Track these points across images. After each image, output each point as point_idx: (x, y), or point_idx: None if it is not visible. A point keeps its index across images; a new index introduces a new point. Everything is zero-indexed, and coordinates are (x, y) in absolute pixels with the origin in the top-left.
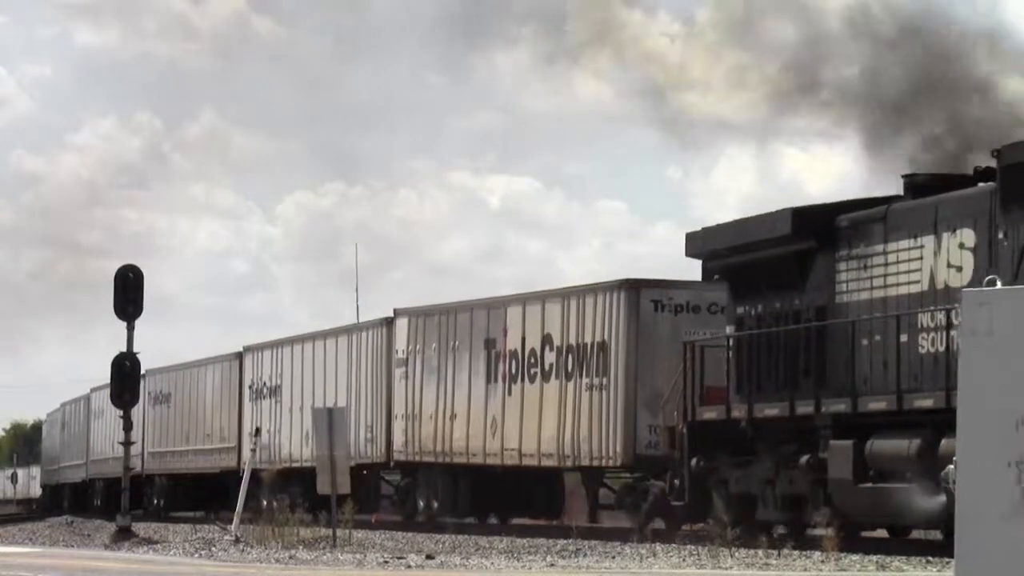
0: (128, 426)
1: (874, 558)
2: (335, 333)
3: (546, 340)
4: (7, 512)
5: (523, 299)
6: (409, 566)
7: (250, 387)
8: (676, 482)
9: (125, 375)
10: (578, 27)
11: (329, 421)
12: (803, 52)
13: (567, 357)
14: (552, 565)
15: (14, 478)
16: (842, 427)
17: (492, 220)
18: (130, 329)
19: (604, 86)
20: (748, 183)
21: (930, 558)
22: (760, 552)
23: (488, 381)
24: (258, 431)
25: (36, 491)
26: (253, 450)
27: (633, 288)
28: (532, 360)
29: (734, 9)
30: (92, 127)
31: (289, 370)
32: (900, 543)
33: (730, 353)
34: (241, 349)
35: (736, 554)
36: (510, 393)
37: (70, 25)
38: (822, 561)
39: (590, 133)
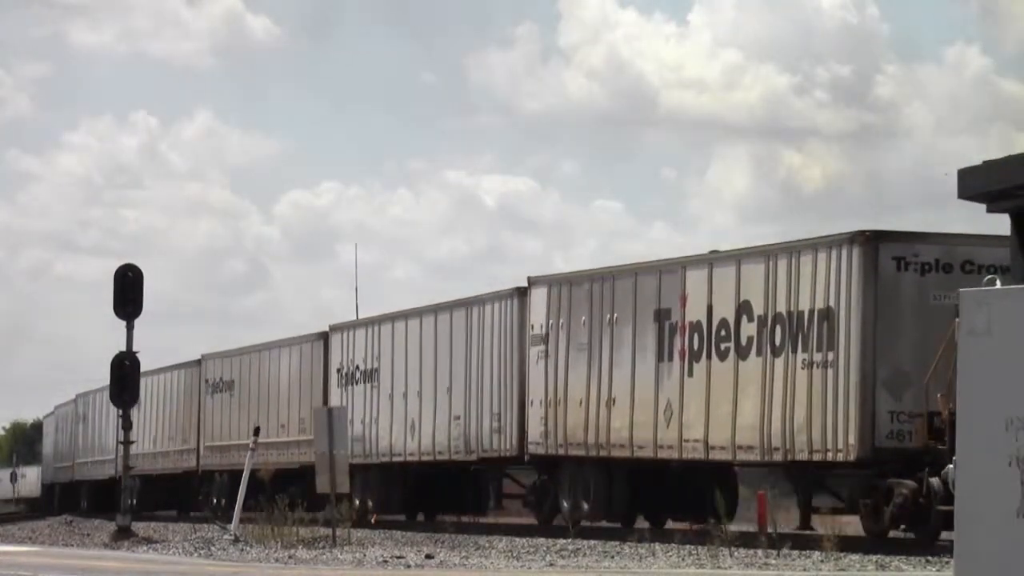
0: (128, 425)
1: (874, 558)
2: (449, 307)
3: (743, 308)
4: (8, 512)
5: (709, 260)
6: (408, 565)
7: (338, 371)
8: (935, 481)
9: (125, 375)
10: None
11: (329, 421)
12: None
13: (774, 328)
14: (551, 565)
15: (13, 477)
16: None
17: (489, 220)
18: (129, 328)
19: (598, 86)
20: (743, 183)
21: (930, 558)
22: (760, 552)
23: (660, 359)
24: (257, 430)
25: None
26: (253, 450)
27: (870, 242)
28: (723, 333)
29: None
30: (88, 126)
31: (389, 351)
32: (899, 543)
33: None
34: (327, 328)
35: (736, 554)
36: (691, 373)
37: (65, 25)
38: (822, 561)
39: (586, 133)
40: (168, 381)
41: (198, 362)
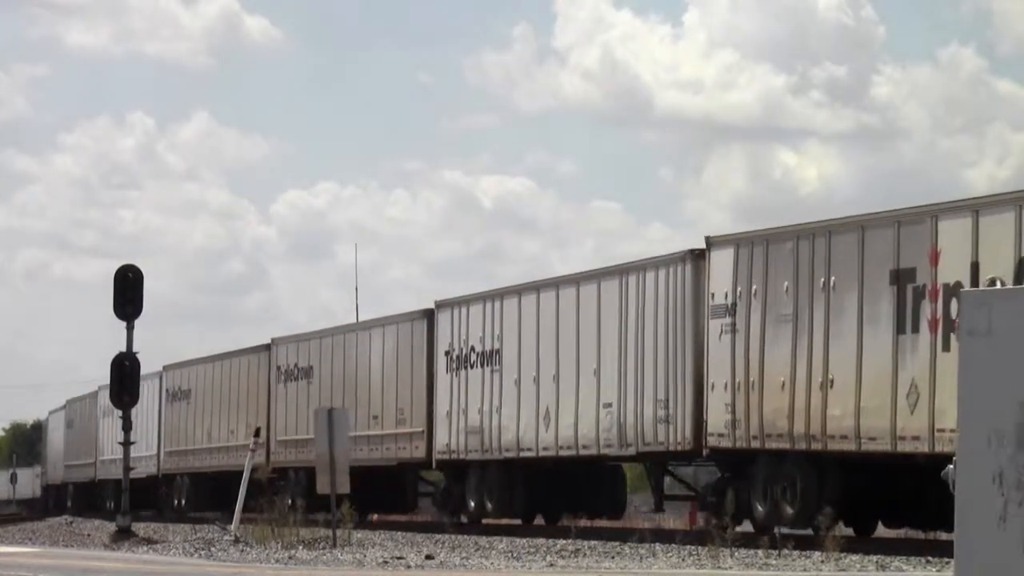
0: (128, 426)
1: (874, 558)
2: (597, 276)
3: None
4: (9, 513)
5: (972, 207)
6: (409, 566)
7: (447, 353)
8: None
9: (125, 375)
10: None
11: (329, 421)
12: None
13: None
14: (552, 565)
15: (13, 478)
16: None
17: (486, 220)
18: (129, 329)
19: (594, 86)
20: (740, 183)
21: (930, 558)
22: (760, 552)
23: (900, 331)
24: (258, 431)
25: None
26: (253, 450)
27: None
28: None
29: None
30: (85, 127)
31: (515, 328)
32: (900, 543)
33: None
34: (433, 305)
35: (736, 554)
36: (947, 347)
37: (61, 25)
38: (822, 561)
39: (583, 133)
40: (229, 369)
41: (267, 347)
